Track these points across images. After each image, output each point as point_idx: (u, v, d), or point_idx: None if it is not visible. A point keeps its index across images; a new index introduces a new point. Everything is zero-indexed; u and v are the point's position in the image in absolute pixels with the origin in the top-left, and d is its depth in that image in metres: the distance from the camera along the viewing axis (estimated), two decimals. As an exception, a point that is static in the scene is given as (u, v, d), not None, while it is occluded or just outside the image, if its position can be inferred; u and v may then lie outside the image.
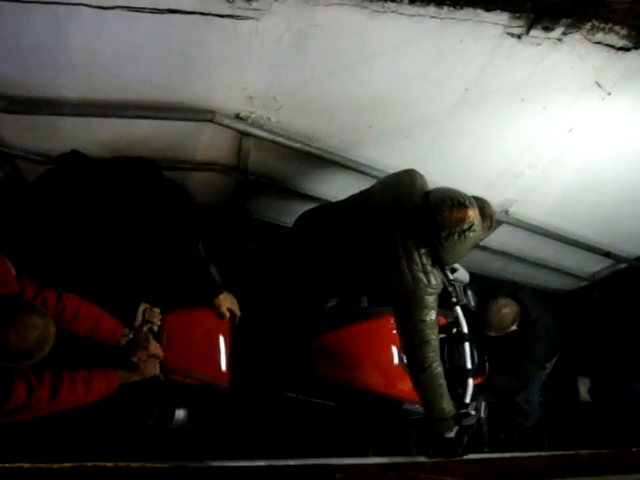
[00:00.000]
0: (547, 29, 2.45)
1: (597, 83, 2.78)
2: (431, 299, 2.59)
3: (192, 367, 2.67)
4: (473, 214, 2.52)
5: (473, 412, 2.60)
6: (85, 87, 2.62)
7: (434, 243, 2.54)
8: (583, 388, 5.01)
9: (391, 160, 3.37)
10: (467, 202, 2.52)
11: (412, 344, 2.61)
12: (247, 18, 2.34)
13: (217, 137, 3.06)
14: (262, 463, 2.01)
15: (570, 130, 3.15)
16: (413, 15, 2.38)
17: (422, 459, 2.23)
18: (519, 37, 2.51)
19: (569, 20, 2.39)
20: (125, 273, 2.53)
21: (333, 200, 3.39)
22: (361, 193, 2.94)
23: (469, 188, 2.74)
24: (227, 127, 2.93)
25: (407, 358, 2.69)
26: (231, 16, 2.33)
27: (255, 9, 2.30)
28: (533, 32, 2.47)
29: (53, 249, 2.35)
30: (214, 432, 3.07)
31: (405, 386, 2.89)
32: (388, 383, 3.07)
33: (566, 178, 3.62)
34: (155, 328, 2.58)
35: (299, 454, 2.55)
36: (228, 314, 2.80)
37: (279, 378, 2.95)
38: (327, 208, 3.12)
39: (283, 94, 2.83)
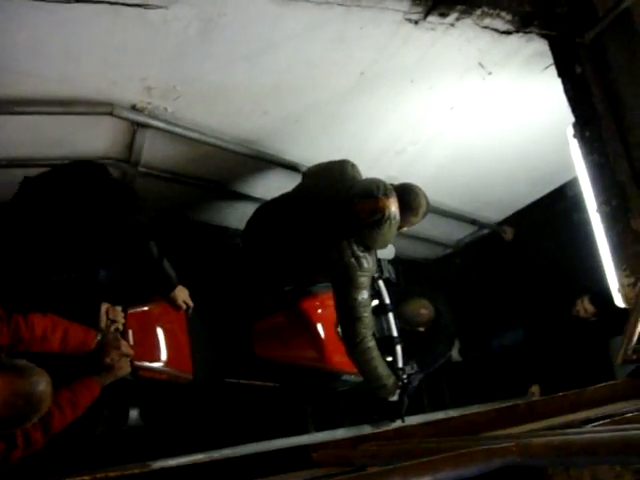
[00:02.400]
0: (443, 15, 2.60)
1: (480, 64, 2.99)
2: (363, 280, 2.78)
3: (160, 362, 2.69)
4: (385, 204, 2.69)
5: (411, 372, 3.00)
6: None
7: (357, 232, 2.76)
8: (454, 350, 5.38)
9: (284, 145, 3.43)
10: (380, 193, 2.70)
11: (346, 321, 2.82)
12: (157, 7, 2.27)
13: (114, 130, 2.93)
14: (230, 452, 2.01)
15: (452, 108, 3.36)
16: (321, 3, 2.43)
17: (385, 428, 2.34)
18: (416, 22, 2.64)
19: (463, 6, 2.56)
20: (81, 276, 2.47)
21: (247, 190, 3.61)
22: (300, 186, 3.11)
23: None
24: (124, 119, 2.82)
25: (343, 334, 2.88)
26: (140, 5, 2.25)
27: (166, -5, 2.23)
28: (430, 18, 2.61)
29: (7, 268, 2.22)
30: (171, 427, 3.02)
31: (342, 358, 3.04)
32: (326, 357, 3.21)
33: (443, 153, 3.86)
34: (120, 327, 2.54)
35: (254, 438, 2.56)
36: (184, 306, 2.81)
37: (222, 365, 3.00)
38: (274, 203, 3.20)
39: (183, 83, 2.78)
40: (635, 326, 2.30)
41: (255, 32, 2.53)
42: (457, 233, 5.20)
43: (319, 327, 3.25)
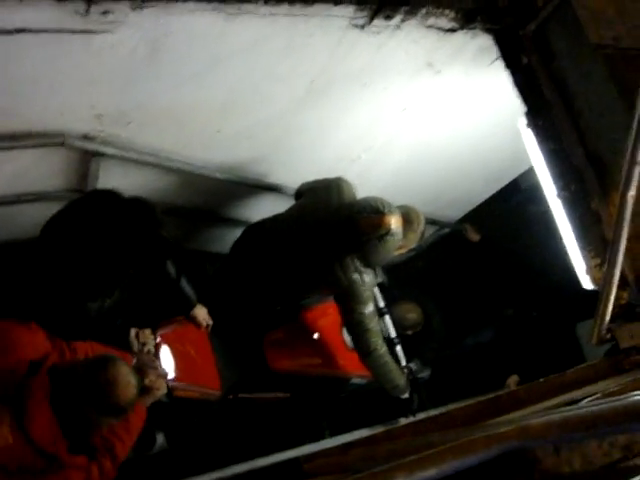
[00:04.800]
0: (388, 17, 2.62)
1: (428, 64, 3.03)
2: (368, 294, 3.00)
3: (192, 380, 2.81)
4: (389, 220, 2.89)
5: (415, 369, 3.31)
6: None
7: (358, 248, 2.93)
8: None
9: (239, 163, 3.42)
10: (385, 209, 2.90)
11: (356, 334, 3.04)
12: (101, 32, 2.23)
13: (69, 161, 2.88)
14: (219, 474, 1.99)
15: (404, 110, 3.39)
16: (266, 15, 2.42)
17: (377, 430, 2.34)
18: (362, 27, 2.65)
19: (407, 7, 2.58)
20: (115, 301, 2.50)
21: (222, 212, 3.75)
22: (294, 207, 3.26)
23: (310, 177, 3.23)
24: (77, 149, 2.77)
25: (354, 345, 3.12)
26: (85, 31, 2.20)
27: (111, 22, 2.19)
28: (375, 22, 2.62)
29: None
30: (193, 447, 3.03)
31: (350, 363, 3.34)
32: (334, 362, 3.42)
33: (398, 157, 3.90)
34: (152, 349, 2.62)
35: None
36: (205, 324, 2.91)
37: (239, 380, 3.15)
38: (268, 224, 3.33)
39: (134, 108, 2.74)
40: (606, 306, 2.33)
41: (201, 50, 2.51)
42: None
43: (324, 335, 3.45)
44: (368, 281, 3.03)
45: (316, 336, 3.44)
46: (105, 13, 2.16)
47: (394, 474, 0.93)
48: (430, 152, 3.91)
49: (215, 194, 3.62)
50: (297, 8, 2.43)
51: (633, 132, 2.09)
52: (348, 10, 2.53)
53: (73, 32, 2.19)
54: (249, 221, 3.65)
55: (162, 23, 2.29)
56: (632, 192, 2.17)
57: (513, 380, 4.68)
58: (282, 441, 3.30)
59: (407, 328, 4.00)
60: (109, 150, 2.86)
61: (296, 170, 3.65)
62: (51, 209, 3.04)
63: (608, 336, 2.38)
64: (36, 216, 3.04)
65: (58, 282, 2.31)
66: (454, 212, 4.98)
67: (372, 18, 2.61)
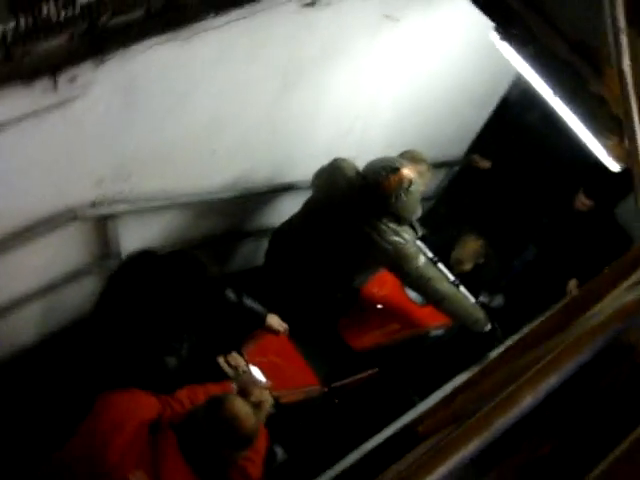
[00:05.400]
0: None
1: (385, 16, 3.02)
2: (413, 249, 3.07)
3: (291, 384, 2.93)
4: (407, 172, 2.97)
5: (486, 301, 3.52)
6: None
7: (390, 210, 2.98)
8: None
9: (242, 175, 3.43)
10: (397, 164, 2.98)
11: (421, 288, 3.16)
12: (75, 99, 2.25)
13: (86, 233, 2.91)
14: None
15: (377, 68, 3.39)
16: (221, 26, 2.43)
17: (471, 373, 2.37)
18: (313, 4, 2.66)
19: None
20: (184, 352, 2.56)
21: (246, 227, 3.83)
22: (308, 203, 3.29)
23: (314, 163, 3.25)
24: (90, 218, 2.80)
25: (425, 299, 3.32)
26: (60, 104, 2.22)
27: (80, 86, 2.21)
28: (323, -6, 2.63)
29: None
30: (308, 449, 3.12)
31: (423, 316, 3.52)
32: (409, 321, 3.56)
33: (387, 114, 3.90)
34: (245, 368, 2.73)
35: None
36: (281, 329, 2.97)
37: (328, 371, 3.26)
38: (293, 223, 3.38)
39: (128, 160, 2.76)
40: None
41: (170, 81, 2.52)
42: (430, 183, 5.21)
43: (390, 301, 3.58)
44: (408, 238, 3.07)
45: (381, 306, 3.55)
46: (72, 80, 2.18)
47: (520, 394, 0.94)
48: (414, 99, 3.91)
49: (231, 213, 3.64)
50: (246, 9, 2.45)
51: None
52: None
53: (49, 109, 2.21)
54: (274, 227, 3.66)
55: (127, 69, 2.31)
56: (627, 62, 2.15)
57: (573, 284, 4.66)
58: (380, 419, 3.41)
59: (480, 257, 4.01)
60: (119, 208, 2.88)
61: (298, 162, 3.69)
62: (90, 282, 3.13)
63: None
64: (81, 293, 3.13)
65: (131, 347, 2.41)
66: (458, 148, 4.97)
67: (318, -10, 2.61)
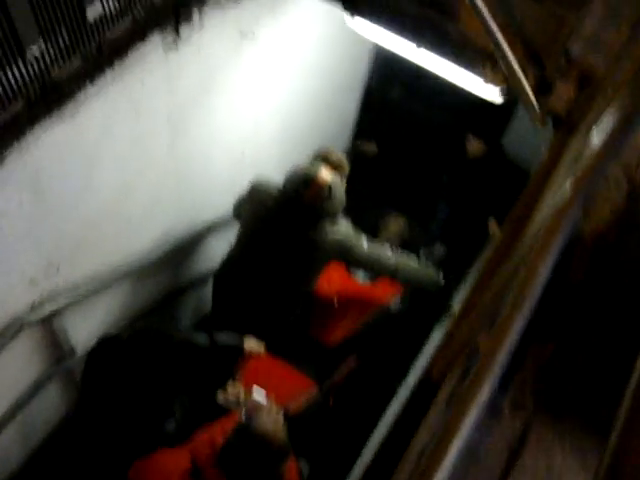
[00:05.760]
0: (187, 20, 2.70)
1: (240, 32, 3.12)
2: (355, 237, 3.18)
3: (292, 394, 2.98)
4: (323, 177, 3.01)
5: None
6: None
7: (321, 215, 3.04)
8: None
9: (167, 228, 3.49)
10: (312, 173, 3.00)
11: (373, 267, 3.29)
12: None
13: (33, 339, 2.84)
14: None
15: (249, 87, 3.48)
16: (99, 91, 2.45)
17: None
18: (175, 44, 2.72)
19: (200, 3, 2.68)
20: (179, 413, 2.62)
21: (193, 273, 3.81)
22: (241, 235, 3.36)
23: (224, 198, 3.43)
24: (34, 322, 2.74)
25: (380, 275, 3.49)
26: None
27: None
28: (181, 32, 2.70)
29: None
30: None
31: (377, 293, 3.69)
32: (367, 303, 3.72)
33: (273, 127, 4.02)
34: (244, 394, 2.75)
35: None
36: (261, 348, 3.01)
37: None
38: (231, 265, 3.42)
39: (53, 251, 2.72)
40: (527, 92, 2.51)
41: (70, 161, 2.52)
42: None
43: (341, 292, 3.67)
44: (345, 227, 3.18)
45: (338, 299, 3.63)
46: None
47: (535, 273, 1.04)
48: (292, 105, 4.05)
49: (166, 271, 3.65)
50: (117, 69, 2.48)
51: None
52: (155, 39, 2.59)
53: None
54: (210, 270, 3.70)
55: (27, 162, 2.30)
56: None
57: (493, 224, 4.91)
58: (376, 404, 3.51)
59: (398, 240, 4.15)
60: (59, 303, 2.83)
61: (211, 202, 3.77)
62: (55, 386, 3.05)
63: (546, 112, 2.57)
64: (50, 400, 3.05)
65: (126, 429, 2.45)
66: (345, 139, 5.14)
67: (177, 31, 2.68)
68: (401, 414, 1.89)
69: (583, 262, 1.94)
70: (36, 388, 3.00)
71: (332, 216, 3.10)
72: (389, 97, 5.83)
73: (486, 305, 1.60)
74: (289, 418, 2.66)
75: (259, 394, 2.82)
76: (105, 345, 2.52)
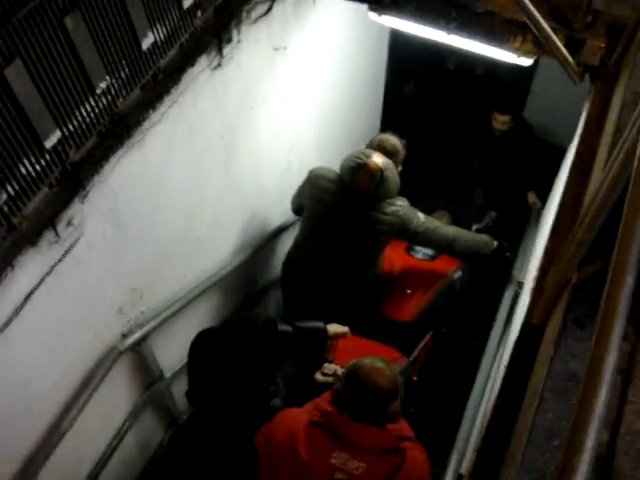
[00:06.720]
0: (229, 41, 2.83)
1: (274, 49, 3.26)
2: (411, 211, 3.35)
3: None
4: (374, 162, 3.17)
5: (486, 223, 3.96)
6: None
7: (377, 196, 3.23)
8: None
9: (240, 241, 3.68)
10: (363, 158, 3.17)
11: (431, 240, 3.46)
12: (77, 238, 2.33)
13: (128, 367, 2.98)
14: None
15: (287, 99, 3.62)
16: (161, 118, 2.57)
17: None
18: (219, 65, 2.85)
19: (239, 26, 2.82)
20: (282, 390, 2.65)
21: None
22: (306, 220, 3.51)
23: (276, 209, 3.70)
24: (127, 350, 2.84)
25: (438, 249, 3.73)
26: (65, 254, 2.29)
27: (76, 225, 2.30)
28: (224, 52, 2.83)
29: None
30: None
31: (438, 268, 3.86)
32: (432, 277, 3.87)
33: (310, 134, 4.16)
34: (340, 369, 2.70)
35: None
36: (345, 329, 3.03)
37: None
38: (299, 250, 3.60)
39: (135, 278, 2.83)
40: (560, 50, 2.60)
41: (142, 187, 2.64)
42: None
43: (407, 270, 3.88)
44: (403, 203, 3.34)
45: (403, 277, 3.85)
46: (69, 223, 2.27)
47: None
48: (327, 109, 4.23)
49: (241, 280, 3.83)
50: (173, 93, 2.60)
51: None
52: (202, 61, 2.72)
53: (60, 261, 2.28)
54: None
55: (106, 192, 2.41)
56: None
57: (532, 197, 4.98)
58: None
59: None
60: (147, 328, 2.93)
61: (266, 214, 3.94)
62: (149, 412, 3.15)
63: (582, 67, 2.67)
64: (147, 427, 3.15)
65: (239, 412, 2.52)
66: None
67: (221, 52, 2.81)
68: (510, 362, 1.95)
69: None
70: (134, 416, 3.10)
71: (389, 197, 3.27)
72: (407, 94, 5.97)
73: (577, 243, 1.67)
74: None
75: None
76: (202, 337, 2.62)
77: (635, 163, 1.22)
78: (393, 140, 3.40)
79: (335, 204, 3.30)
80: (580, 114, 3.15)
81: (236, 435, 2.47)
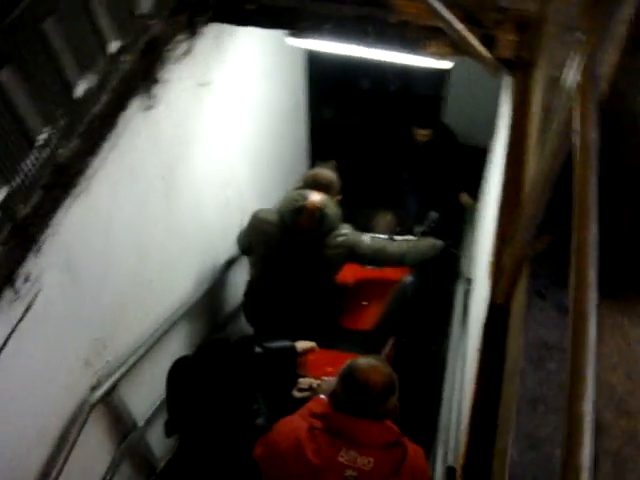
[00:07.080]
0: (156, 82, 2.87)
1: (199, 84, 3.32)
2: (356, 236, 3.42)
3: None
4: (312, 203, 3.24)
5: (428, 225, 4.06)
6: None
7: (321, 233, 3.30)
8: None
9: (194, 278, 3.67)
10: (300, 200, 3.23)
11: (383, 259, 3.51)
12: (35, 297, 2.27)
13: (102, 419, 2.91)
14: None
15: (217, 133, 3.67)
16: (99, 168, 2.57)
17: None
18: (150, 107, 2.88)
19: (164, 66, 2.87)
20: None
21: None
22: (253, 264, 3.59)
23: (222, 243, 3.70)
24: (100, 402, 2.80)
25: (389, 265, 3.74)
26: (27, 308, 2.26)
27: (33, 281, 2.27)
28: (153, 93, 2.87)
29: None
30: None
31: (391, 275, 3.98)
32: (386, 284, 4.00)
33: (244, 168, 4.21)
34: (315, 381, 2.77)
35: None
36: (312, 344, 3.06)
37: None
38: (250, 294, 3.67)
39: (97, 329, 2.79)
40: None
41: (90, 234, 2.62)
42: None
43: (362, 281, 3.98)
44: (346, 231, 3.42)
45: (358, 289, 3.95)
46: (27, 280, 2.24)
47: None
48: (254, 144, 4.29)
49: (206, 309, 3.88)
50: (113, 136, 2.61)
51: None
52: (134, 104, 2.74)
53: (22, 319, 2.24)
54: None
55: (58, 245, 2.37)
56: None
57: (464, 197, 5.19)
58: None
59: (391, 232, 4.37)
60: (114, 378, 2.88)
61: (215, 245, 3.97)
62: (126, 464, 3.09)
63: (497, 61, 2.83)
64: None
65: (224, 434, 2.55)
66: (303, 164, 5.38)
67: (149, 94, 2.85)
68: (482, 343, 2.04)
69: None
70: (114, 470, 3.02)
71: (332, 230, 3.34)
72: (327, 117, 6.13)
73: (528, 218, 1.78)
74: None
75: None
76: (178, 365, 2.62)
77: (575, 137, 1.33)
78: (326, 174, 3.49)
79: (283, 247, 3.37)
80: (495, 114, 3.36)
81: (228, 457, 2.47)
